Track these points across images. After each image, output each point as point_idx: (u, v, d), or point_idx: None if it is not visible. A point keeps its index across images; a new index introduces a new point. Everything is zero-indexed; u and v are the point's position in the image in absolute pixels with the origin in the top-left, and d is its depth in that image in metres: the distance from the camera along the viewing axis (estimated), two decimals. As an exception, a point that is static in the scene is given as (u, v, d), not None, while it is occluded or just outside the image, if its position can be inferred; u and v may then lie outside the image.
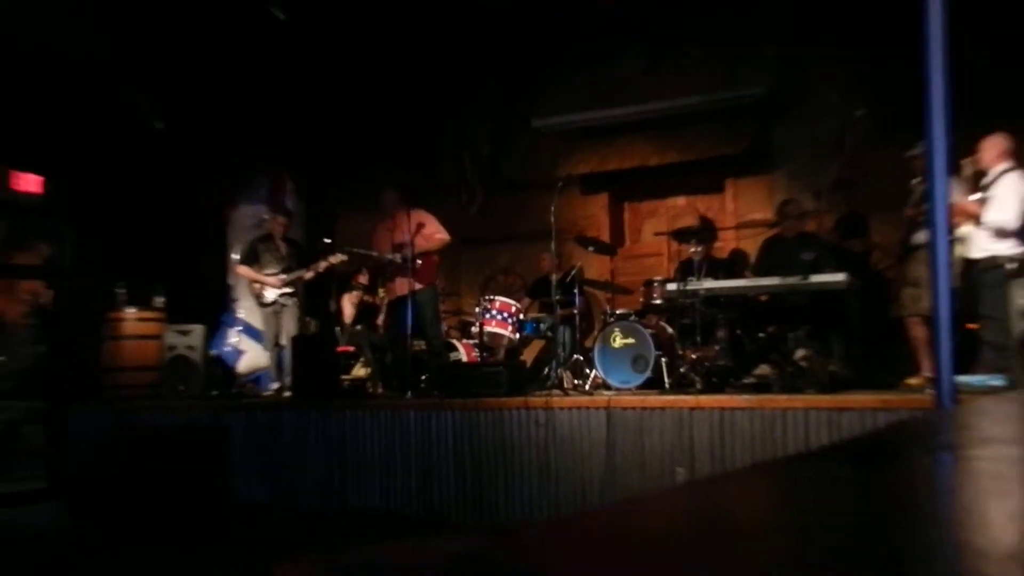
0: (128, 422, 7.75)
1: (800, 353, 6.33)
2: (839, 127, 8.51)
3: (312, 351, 7.86)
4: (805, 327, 6.68)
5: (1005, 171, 6.21)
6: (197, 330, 8.54)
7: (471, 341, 8.30)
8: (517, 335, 7.91)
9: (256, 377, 8.89)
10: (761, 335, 6.88)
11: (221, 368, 8.90)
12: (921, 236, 6.06)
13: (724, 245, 8.73)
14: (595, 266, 9.21)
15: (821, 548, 0.68)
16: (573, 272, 7.97)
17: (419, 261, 7.57)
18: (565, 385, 7.13)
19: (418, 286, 7.58)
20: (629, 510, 0.86)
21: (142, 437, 7.46)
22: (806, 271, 6.70)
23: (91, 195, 8.70)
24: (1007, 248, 6.10)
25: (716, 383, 6.47)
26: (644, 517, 0.82)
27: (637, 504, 0.84)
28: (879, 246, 7.97)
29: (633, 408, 5.99)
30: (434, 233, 7.74)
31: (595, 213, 9.93)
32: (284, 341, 8.14)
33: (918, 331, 6.31)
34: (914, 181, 6.37)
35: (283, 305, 8.20)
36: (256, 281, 8.22)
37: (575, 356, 7.60)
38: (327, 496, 6.86)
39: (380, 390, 8.11)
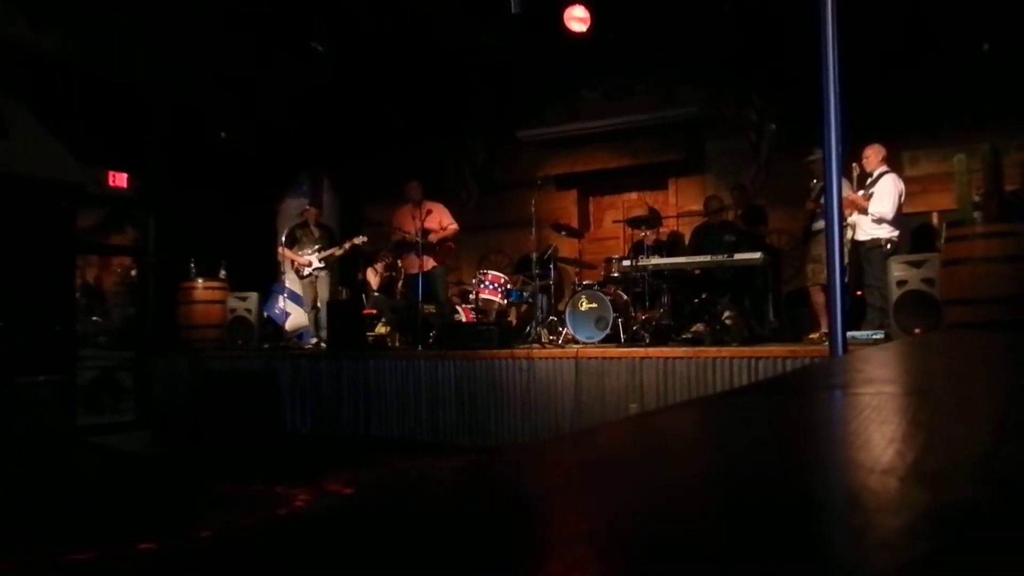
0: (199, 368, 7.73)
1: (726, 314, 6.36)
2: (755, 140, 8.50)
3: (344, 313, 7.87)
4: (729, 294, 6.70)
5: (883, 173, 6.22)
6: (252, 296, 8.50)
7: (469, 305, 8.29)
8: (505, 301, 7.90)
9: (300, 334, 8.85)
10: (696, 300, 6.89)
11: (271, 326, 8.86)
12: (820, 224, 6.08)
13: (667, 230, 8.71)
14: (566, 247, 9.19)
15: (737, 462, 0.67)
16: (549, 252, 7.94)
17: (437, 247, 7.64)
18: (542, 340, 7.14)
19: (433, 264, 7.62)
20: (591, 436, 0.86)
21: (210, 380, 7.45)
22: (728, 251, 6.71)
23: (169, 190, 8.62)
24: (886, 232, 6.13)
25: (661, 338, 6.49)
26: (602, 441, 0.81)
27: (597, 432, 0.84)
28: (777, 231, 8.01)
29: (596, 358, 6.00)
30: (448, 225, 7.77)
31: (567, 206, 9.89)
32: (320, 305, 8.13)
33: (818, 297, 6.33)
34: (814, 181, 6.36)
35: (317, 276, 8.19)
36: (293, 260, 8.22)
37: (550, 317, 7.60)
38: (356, 426, 6.87)
39: (397, 344, 8.10)
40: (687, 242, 8.09)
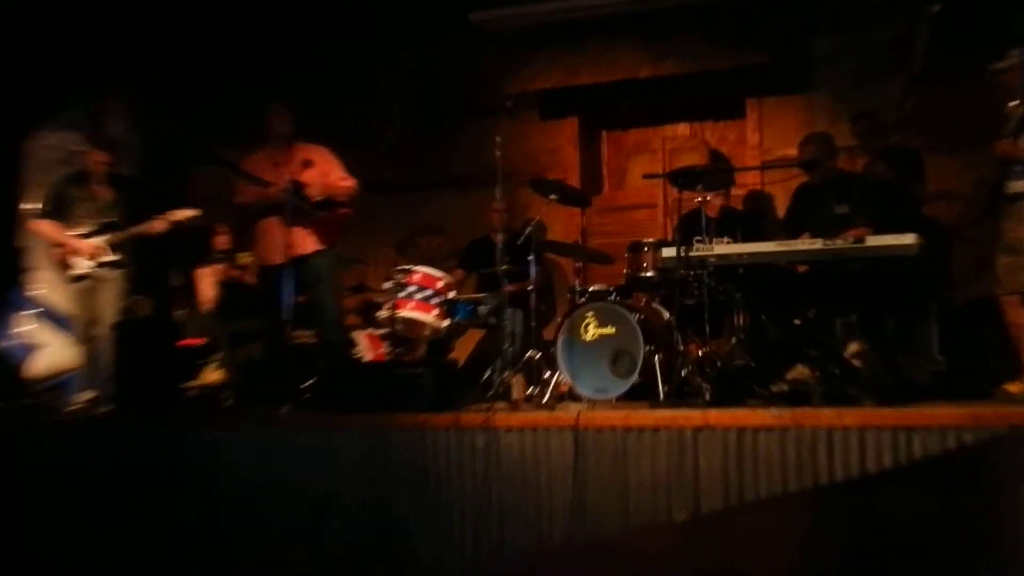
0: None
1: (852, 348, 6.35)
2: (901, 33, 8.54)
3: (142, 344, 7.80)
4: (857, 310, 6.71)
5: None
6: (-30, 314, 8.46)
7: (379, 331, 8.26)
8: (445, 322, 7.86)
9: (62, 381, 8.78)
10: (796, 322, 6.91)
11: (6, 369, 8.79)
12: (1021, 183, 6.10)
13: (743, 192, 8.76)
14: (559, 222, 9.25)
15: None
16: (527, 231, 7.91)
17: (320, 214, 7.61)
18: (515, 395, 7.13)
19: (316, 247, 7.62)
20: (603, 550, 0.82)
21: None
22: (838, 228, 6.73)
23: None
24: None
25: (732, 391, 6.48)
26: (624, 556, 0.77)
27: (615, 544, 0.79)
28: (943, 195, 8.07)
29: (612, 427, 5.96)
30: (339, 181, 7.76)
31: (560, 146, 9.97)
32: (102, 329, 8.03)
33: (1018, 315, 6.32)
34: (1011, 104, 6.37)
35: (100, 279, 8.08)
36: (60, 244, 8.08)
37: (529, 352, 7.59)
38: (161, 551, 6.79)
39: (238, 400, 8.06)
40: (781, 215, 8.13)
